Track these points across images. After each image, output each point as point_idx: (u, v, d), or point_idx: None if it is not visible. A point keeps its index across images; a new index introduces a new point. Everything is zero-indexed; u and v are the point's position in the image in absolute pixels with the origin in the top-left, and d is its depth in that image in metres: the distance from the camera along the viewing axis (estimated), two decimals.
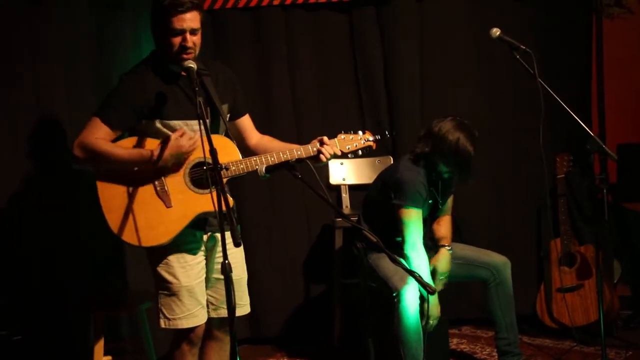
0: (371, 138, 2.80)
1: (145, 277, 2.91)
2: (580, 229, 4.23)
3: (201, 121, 2.34)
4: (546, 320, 4.05)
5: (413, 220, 3.24)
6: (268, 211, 4.21)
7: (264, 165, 2.56)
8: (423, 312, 3.17)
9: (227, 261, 2.17)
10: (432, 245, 3.45)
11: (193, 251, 2.70)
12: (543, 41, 4.21)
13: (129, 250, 2.71)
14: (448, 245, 3.42)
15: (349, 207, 4.22)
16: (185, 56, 2.60)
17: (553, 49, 4.22)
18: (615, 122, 4.35)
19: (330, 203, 2.41)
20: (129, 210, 2.60)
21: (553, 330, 4.04)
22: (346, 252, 3.94)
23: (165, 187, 2.63)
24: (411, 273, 2.42)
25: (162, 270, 2.68)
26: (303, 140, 2.75)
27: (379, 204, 3.40)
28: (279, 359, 3.99)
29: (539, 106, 2.89)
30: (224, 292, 2.24)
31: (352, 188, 4.27)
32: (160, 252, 2.67)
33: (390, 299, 3.21)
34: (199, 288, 2.72)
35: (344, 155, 2.78)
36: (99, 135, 2.60)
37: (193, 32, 2.60)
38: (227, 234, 2.22)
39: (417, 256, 3.22)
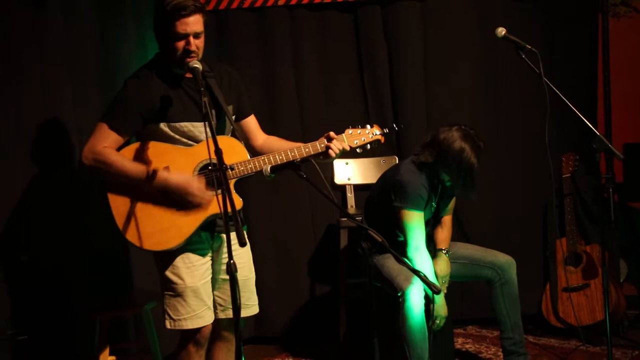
0: (379, 132, 2.78)
1: (150, 277, 2.92)
2: (586, 228, 4.22)
3: (206, 122, 2.34)
4: (552, 319, 4.04)
5: (415, 223, 3.23)
6: (273, 211, 4.21)
7: (269, 165, 2.56)
8: (429, 313, 3.17)
9: (232, 261, 2.16)
10: (430, 248, 3.46)
11: (199, 252, 2.70)
12: (549, 40, 4.20)
13: (133, 249, 2.71)
14: (444, 249, 3.41)
15: (354, 206, 4.22)
16: (188, 60, 2.59)
17: (559, 48, 4.21)
18: (621, 121, 4.34)
19: (335, 203, 2.41)
20: (139, 216, 2.60)
21: (559, 330, 4.03)
22: (351, 252, 3.94)
23: None
24: (416, 273, 2.42)
25: (167, 271, 2.68)
26: (308, 140, 2.74)
27: (381, 205, 3.40)
28: (284, 359, 4.00)
29: (544, 105, 2.88)
30: None
31: (357, 188, 4.27)
32: (167, 255, 2.67)
33: (395, 299, 3.21)
34: (205, 289, 2.72)
35: (352, 150, 2.76)
36: (108, 143, 2.60)
37: (196, 35, 2.60)
38: (233, 234, 2.22)
39: (420, 258, 3.22)
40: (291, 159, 2.65)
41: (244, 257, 2.79)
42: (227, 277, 2.68)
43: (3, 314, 3.02)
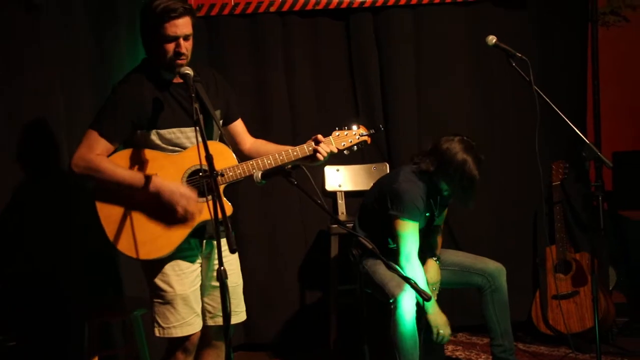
0: (365, 132, 2.79)
1: (140, 283, 2.90)
2: (576, 236, 4.24)
3: (197, 128, 2.34)
4: (541, 327, 4.05)
5: (409, 233, 3.23)
6: (264, 217, 4.21)
7: (260, 172, 2.55)
8: (420, 324, 3.16)
9: (222, 267, 2.16)
10: (420, 255, 3.46)
11: (188, 259, 2.69)
12: (539, 49, 4.22)
13: (123, 256, 2.70)
14: (434, 256, 3.42)
15: (344, 213, 4.22)
16: (179, 62, 2.59)
17: (549, 57, 4.24)
18: (610, 130, 4.36)
19: (326, 209, 2.41)
20: (128, 224, 2.59)
21: (548, 337, 4.04)
22: (342, 258, 3.94)
23: None
24: (406, 280, 2.42)
25: (157, 279, 2.67)
26: (299, 144, 2.74)
27: (376, 212, 3.40)
28: None
29: (534, 113, 2.90)
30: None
31: (348, 194, 4.27)
32: (156, 262, 2.66)
33: (387, 306, 3.21)
34: (194, 296, 2.71)
35: (340, 152, 2.77)
36: (98, 150, 2.58)
37: (186, 38, 2.59)
38: (223, 241, 2.21)
39: (411, 268, 3.21)
40: (279, 163, 2.65)
41: (233, 264, 2.78)
42: (217, 283, 2.68)
43: None
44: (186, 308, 2.67)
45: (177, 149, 2.66)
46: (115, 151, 2.65)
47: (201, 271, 2.76)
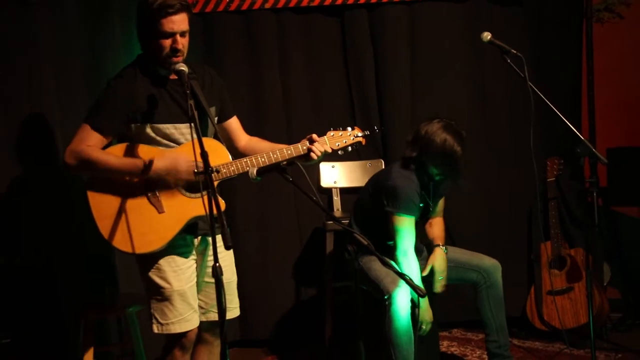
0: (360, 134, 2.79)
1: (136, 280, 2.90)
2: (571, 232, 4.25)
3: (192, 124, 2.33)
4: (536, 322, 4.06)
5: (405, 227, 3.25)
6: (259, 214, 4.21)
7: (255, 168, 2.55)
8: (415, 318, 3.17)
9: (217, 264, 2.16)
10: (422, 247, 3.46)
11: (184, 255, 2.69)
12: (534, 45, 4.23)
13: (119, 252, 2.69)
14: (442, 245, 3.43)
15: (340, 210, 4.22)
16: (175, 59, 2.58)
17: (544, 53, 4.24)
18: (605, 126, 4.37)
19: (321, 206, 2.41)
20: (120, 218, 2.58)
21: (543, 333, 4.05)
22: (337, 255, 3.94)
23: (157, 193, 2.62)
24: (401, 276, 2.43)
25: (153, 275, 2.67)
26: (294, 142, 2.74)
27: (371, 209, 3.40)
28: None
29: (529, 110, 2.90)
30: (213, 296, 2.23)
31: (344, 191, 4.27)
32: (151, 258, 2.66)
33: (382, 302, 3.21)
34: (191, 292, 2.71)
35: (334, 153, 2.77)
36: (91, 142, 2.57)
37: (183, 34, 2.59)
38: (218, 237, 2.21)
39: (407, 262, 3.23)
40: (274, 161, 2.65)
41: (226, 260, 2.77)
42: (211, 280, 2.69)
43: None
44: (184, 304, 2.67)
45: (172, 144, 2.65)
46: (109, 145, 2.64)
47: (196, 267, 2.75)
